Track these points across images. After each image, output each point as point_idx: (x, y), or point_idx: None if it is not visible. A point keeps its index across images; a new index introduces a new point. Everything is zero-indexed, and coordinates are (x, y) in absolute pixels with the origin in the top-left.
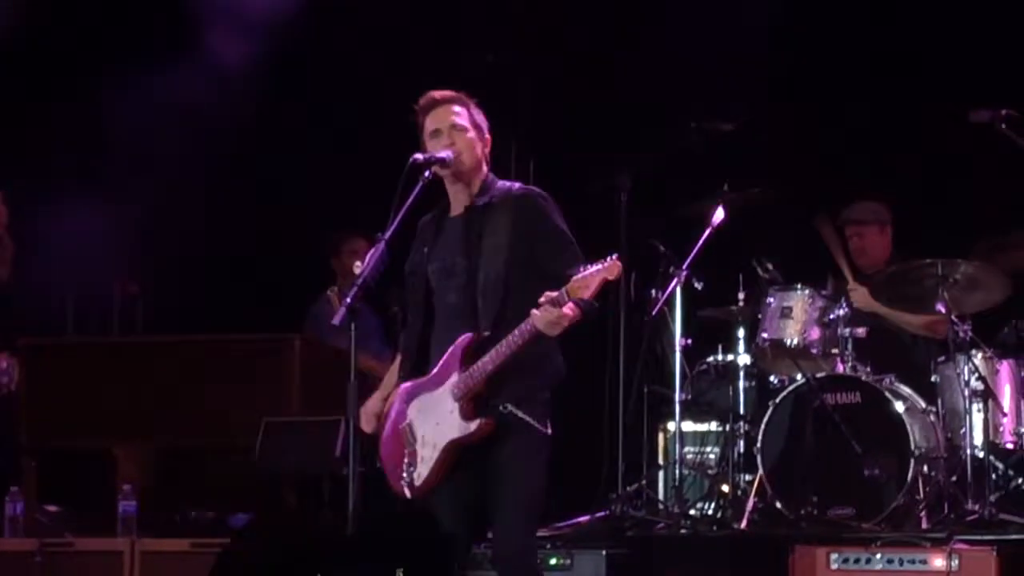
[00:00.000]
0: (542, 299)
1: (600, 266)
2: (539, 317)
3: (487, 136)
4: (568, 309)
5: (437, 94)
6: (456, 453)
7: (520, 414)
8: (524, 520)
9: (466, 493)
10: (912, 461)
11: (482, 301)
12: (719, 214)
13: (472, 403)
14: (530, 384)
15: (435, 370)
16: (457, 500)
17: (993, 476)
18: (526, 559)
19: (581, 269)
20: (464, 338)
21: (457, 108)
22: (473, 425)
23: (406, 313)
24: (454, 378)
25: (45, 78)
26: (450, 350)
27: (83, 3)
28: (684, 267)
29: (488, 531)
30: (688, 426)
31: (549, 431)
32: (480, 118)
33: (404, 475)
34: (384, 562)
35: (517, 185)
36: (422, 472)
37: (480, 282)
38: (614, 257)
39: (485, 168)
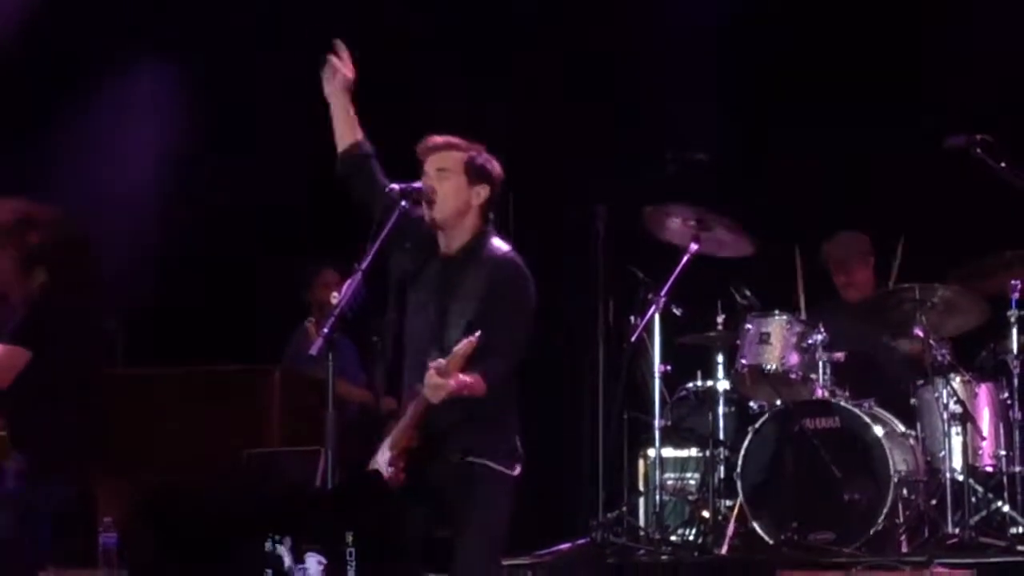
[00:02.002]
0: (431, 365)
1: (462, 344)
2: (425, 381)
3: (486, 186)
4: (455, 380)
5: (435, 139)
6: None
7: (482, 461)
8: (485, 565)
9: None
10: (892, 485)
11: (445, 351)
12: (693, 245)
13: (403, 455)
14: (490, 429)
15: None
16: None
17: (972, 499)
18: None
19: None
20: (418, 396)
21: (454, 154)
22: (388, 473)
23: (384, 342)
24: (394, 426)
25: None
26: (410, 401)
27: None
28: (663, 294)
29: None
30: (668, 452)
31: (516, 472)
32: (481, 165)
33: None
34: (335, 524)
35: (505, 249)
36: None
37: (445, 335)
38: (475, 336)
39: (476, 220)
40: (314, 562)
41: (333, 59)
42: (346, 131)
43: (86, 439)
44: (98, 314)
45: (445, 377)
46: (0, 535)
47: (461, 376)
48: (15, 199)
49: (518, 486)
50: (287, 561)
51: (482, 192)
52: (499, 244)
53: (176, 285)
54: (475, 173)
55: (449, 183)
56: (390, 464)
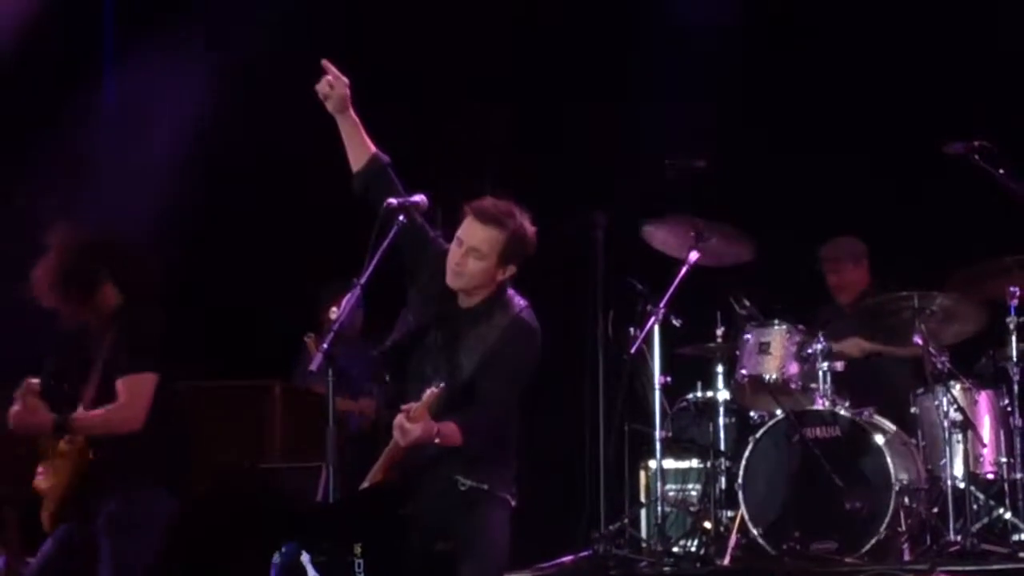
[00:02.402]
0: (402, 408)
1: (426, 394)
2: (395, 426)
3: (512, 267)
4: (423, 427)
5: (490, 209)
6: None
7: (482, 486)
8: None
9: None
10: (893, 493)
11: (449, 391)
12: (692, 255)
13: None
14: (492, 457)
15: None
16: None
17: (974, 507)
18: None
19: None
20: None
21: (495, 235)
22: None
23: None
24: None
25: None
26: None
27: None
28: (662, 305)
29: None
30: (669, 463)
31: (513, 502)
32: (516, 247)
33: None
34: (343, 537)
35: (521, 306)
36: None
37: (451, 373)
38: (438, 387)
39: (494, 289)
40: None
41: (325, 80)
42: (358, 149)
43: (187, 451)
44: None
45: (412, 423)
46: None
47: (431, 424)
48: (70, 224)
49: (513, 515)
50: (311, 573)
51: (509, 270)
52: (515, 301)
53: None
54: (509, 256)
55: (478, 265)
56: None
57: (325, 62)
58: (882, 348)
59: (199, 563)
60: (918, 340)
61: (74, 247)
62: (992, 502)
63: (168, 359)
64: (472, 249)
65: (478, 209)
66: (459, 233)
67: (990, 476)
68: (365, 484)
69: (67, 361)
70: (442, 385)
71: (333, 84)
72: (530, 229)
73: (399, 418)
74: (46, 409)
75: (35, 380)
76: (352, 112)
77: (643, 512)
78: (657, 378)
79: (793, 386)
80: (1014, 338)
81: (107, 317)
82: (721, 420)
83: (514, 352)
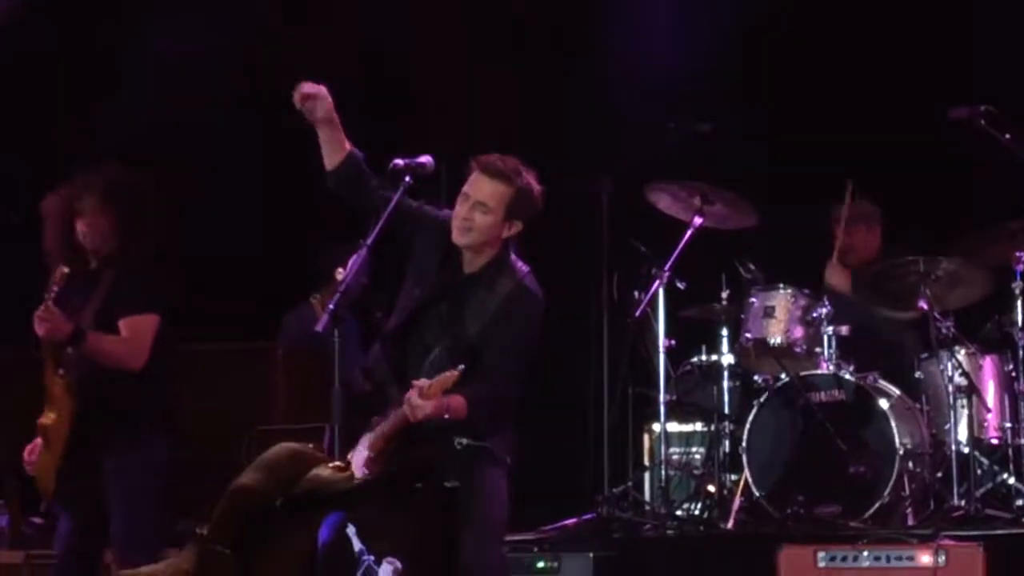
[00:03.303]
0: (414, 384)
1: (444, 375)
2: (405, 401)
3: (518, 223)
4: (436, 403)
5: (496, 163)
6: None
7: (477, 443)
8: (491, 536)
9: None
10: (897, 458)
11: (450, 360)
12: (697, 219)
13: (380, 456)
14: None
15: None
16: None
17: (978, 472)
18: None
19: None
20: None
21: (501, 188)
22: (361, 473)
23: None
24: (376, 428)
25: None
26: (393, 409)
27: None
28: (666, 268)
29: None
30: (673, 427)
31: (509, 461)
32: (523, 202)
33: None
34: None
35: (523, 272)
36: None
37: (453, 343)
38: (457, 370)
39: (498, 248)
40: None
41: (302, 95)
42: (335, 149)
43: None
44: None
45: (425, 399)
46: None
47: (442, 400)
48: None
49: (511, 475)
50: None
51: (515, 227)
52: (518, 266)
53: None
54: (515, 211)
55: (485, 219)
56: (365, 465)
57: (301, 85)
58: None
59: (248, 534)
60: (923, 304)
61: (81, 184)
62: (996, 467)
63: (169, 304)
64: (479, 203)
65: (485, 163)
66: (465, 188)
67: (994, 441)
68: (365, 452)
69: (64, 299)
70: (462, 368)
71: (315, 97)
72: (536, 186)
73: (411, 394)
74: (64, 318)
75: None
76: (335, 115)
77: (647, 475)
78: (661, 341)
79: (798, 350)
80: (1020, 303)
81: (107, 257)
82: (725, 384)
83: (518, 322)
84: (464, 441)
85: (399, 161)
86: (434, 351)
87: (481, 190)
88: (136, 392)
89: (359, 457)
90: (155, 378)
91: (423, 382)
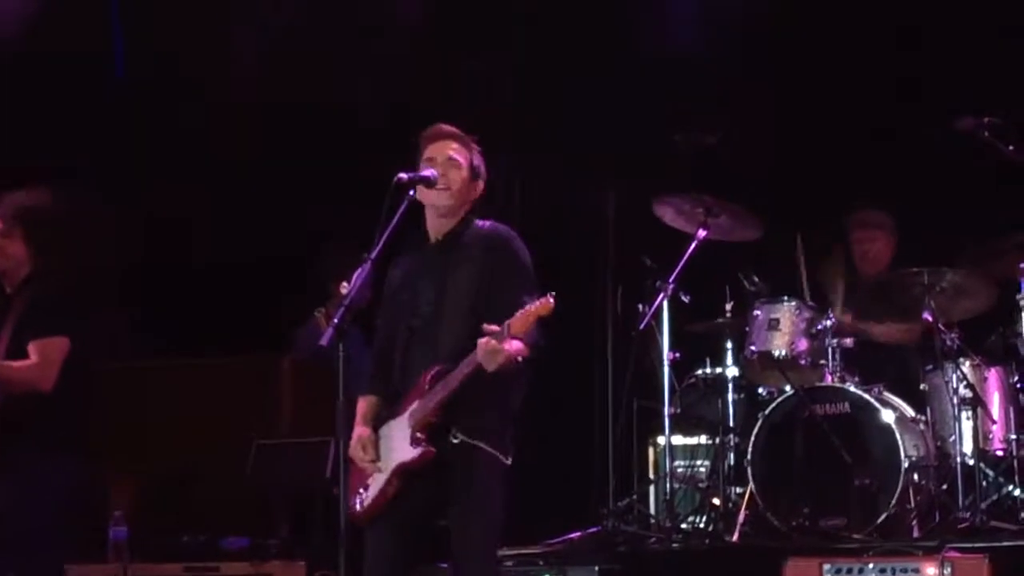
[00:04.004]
0: (484, 331)
1: (535, 304)
2: (479, 348)
3: (480, 182)
4: (508, 345)
5: (444, 128)
6: (403, 479)
7: (475, 443)
8: (483, 548)
9: (412, 522)
10: (902, 470)
11: (447, 330)
12: (701, 232)
13: (425, 431)
14: (490, 416)
15: (404, 399)
16: (403, 525)
17: (984, 483)
18: None
19: (526, 300)
20: (431, 369)
21: (456, 145)
22: (417, 451)
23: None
24: (414, 405)
25: None
26: (419, 381)
27: None
28: (671, 281)
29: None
30: (678, 440)
31: (508, 462)
32: (479, 162)
33: (357, 497)
34: None
35: (488, 223)
36: (371, 494)
37: (446, 311)
38: (550, 296)
39: (468, 209)
40: None
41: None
42: None
43: (90, 420)
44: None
45: (500, 341)
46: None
47: (512, 344)
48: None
49: (510, 475)
50: None
51: (478, 188)
52: (482, 221)
53: (186, 275)
54: (476, 170)
55: (459, 173)
56: (415, 443)
57: None
58: (867, 328)
59: None
60: (928, 316)
61: (20, 208)
62: (1001, 479)
63: (81, 326)
64: (448, 160)
65: (438, 130)
66: (426, 155)
67: (999, 453)
68: (410, 426)
69: None
70: (544, 300)
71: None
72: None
73: (485, 341)
74: None
75: None
76: None
77: (652, 488)
78: (666, 354)
79: (803, 362)
80: None
81: (21, 282)
82: (730, 396)
83: (516, 261)
84: (460, 436)
85: (403, 175)
86: (422, 310)
87: (444, 150)
88: (42, 413)
89: (400, 434)
90: (64, 400)
91: (493, 328)
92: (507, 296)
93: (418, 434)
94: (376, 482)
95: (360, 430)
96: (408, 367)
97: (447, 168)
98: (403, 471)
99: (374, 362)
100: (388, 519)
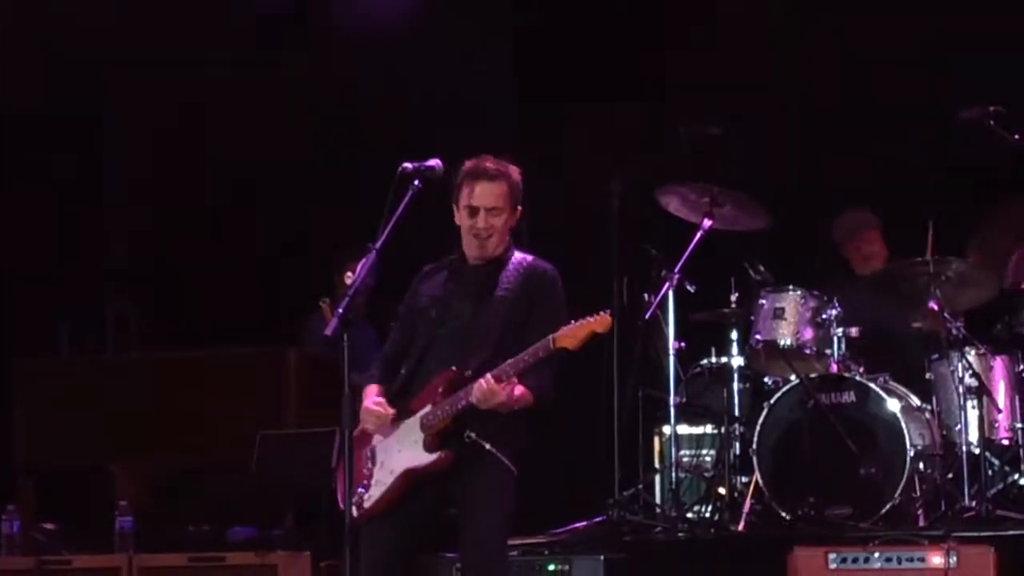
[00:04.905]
0: (488, 374)
1: (590, 318)
2: (477, 386)
3: (519, 208)
4: (508, 389)
5: (488, 167)
6: (411, 482)
7: (487, 446)
8: (492, 547)
9: (416, 517)
10: (908, 459)
11: (475, 347)
12: (707, 222)
13: (438, 436)
14: (504, 423)
15: (413, 401)
16: (406, 523)
17: (989, 472)
18: None
19: (571, 322)
20: (448, 373)
21: (501, 186)
22: (432, 457)
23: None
24: (427, 409)
25: None
26: (432, 382)
27: None
28: (676, 271)
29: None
30: (683, 429)
31: (515, 470)
32: (519, 190)
33: (356, 495)
34: None
35: (531, 258)
36: (374, 495)
37: (477, 330)
38: (605, 312)
39: (508, 239)
40: None
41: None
42: None
43: None
44: None
45: (499, 385)
46: None
47: (514, 388)
48: None
49: (517, 484)
50: None
51: (517, 215)
52: (523, 254)
53: (193, 268)
54: (516, 201)
55: (499, 219)
56: (431, 448)
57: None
58: None
59: None
60: (933, 306)
61: None
62: (1007, 467)
63: None
64: (491, 209)
65: (480, 170)
66: (471, 202)
67: (1005, 442)
68: (423, 430)
69: None
70: (602, 315)
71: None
72: (517, 169)
73: (485, 381)
74: None
75: None
76: None
77: (657, 478)
78: (671, 344)
79: (808, 351)
80: None
81: None
82: (735, 386)
83: (552, 301)
84: (473, 435)
85: (408, 165)
86: (457, 336)
87: (488, 196)
88: None
89: (411, 438)
90: None
91: (497, 371)
92: (537, 337)
93: (434, 440)
94: (380, 483)
95: (369, 400)
96: (422, 374)
97: (488, 217)
98: (413, 475)
99: (380, 364)
100: (391, 515)
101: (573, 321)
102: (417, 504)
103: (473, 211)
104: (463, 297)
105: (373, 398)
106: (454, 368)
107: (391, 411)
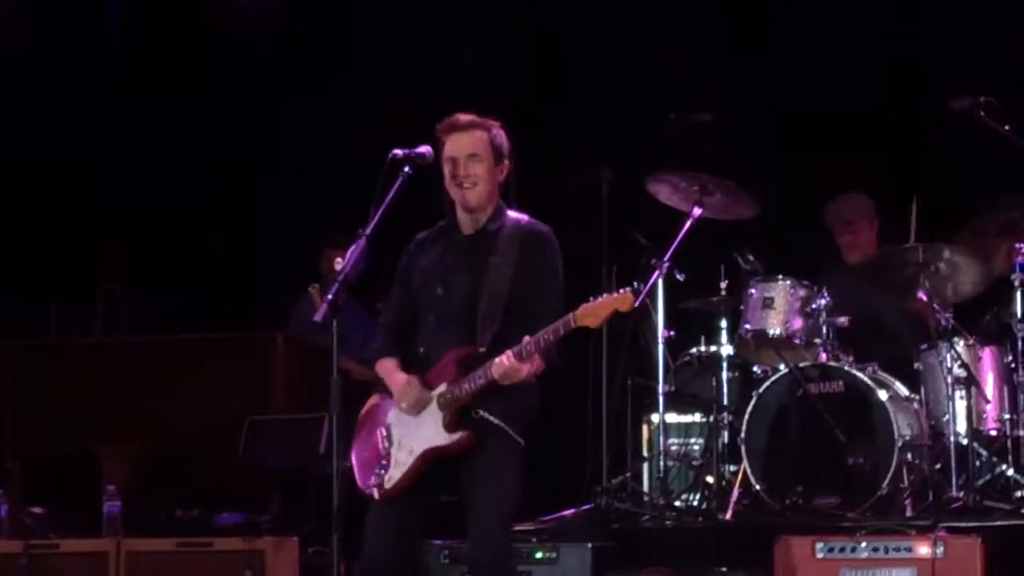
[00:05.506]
0: (509, 351)
1: (612, 296)
2: (496, 366)
3: (506, 162)
4: (525, 367)
5: (461, 118)
6: (431, 461)
7: (495, 420)
8: (499, 525)
9: (426, 495)
10: (896, 449)
11: (483, 319)
12: (696, 210)
13: (457, 414)
14: (516, 398)
15: (425, 379)
16: (417, 501)
17: (977, 463)
18: (503, 563)
19: (591, 299)
20: (461, 350)
21: (479, 134)
22: (455, 436)
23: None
24: (443, 387)
25: None
26: (444, 359)
27: None
28: (666, 259)
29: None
30: (672, 418)
31: (522, 442)
32: (502, 142)
33: (375, 476)
34: None
35: (525, 218)
36: (394, 475)
37: (483, 300)
38: (626, 290)
39: (497, 197)
40: None
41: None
42: None
43: None
44: None
45: (520, 362)
46: None
47: (535, 359)
48: None
49: (524, 456)
50: None
51: (504, 170)
52: (518, 214)
53: (180, 250)
54: (498, 152)
55: (482, 167)
56: (451, 428)
57: None
58: None
59: None
60: (922, 296)
61: None
62: (995, 458)
63: None
64: (469, 156)
65: (452, 123)
66: (447, 154)
67: (993, 432)
68: (441, 409)
69: None
70: (627, 289)
71: None
72: (498, 123)
73: (506, 358)
74: None
75: None
76: None
77: (645, 466)
78: (660, 332)
79: (797, 341)
80: (1019, 295)
81: None
82: (724, 374)
83: (549, 263)
84: (482, 412)
85: (398, 151)
86: (462, 312)
87: (463, 145)
88: None
89: (431, 417)
90: None
91: (518, 347)
92: (535, 301)
93: (454, 418)
94: (400, 463)
95: (403, 376)
96: (438, 350)
97: (467, 165)
98: (434, 454)
99: (384, 334)
100: (407, 495)
101: (593, 298)
102: (429, 484)
103: (452, 161)
104: (462, 272)
105: (403, 374)
106: (468, 348)
107: (427, 391)
